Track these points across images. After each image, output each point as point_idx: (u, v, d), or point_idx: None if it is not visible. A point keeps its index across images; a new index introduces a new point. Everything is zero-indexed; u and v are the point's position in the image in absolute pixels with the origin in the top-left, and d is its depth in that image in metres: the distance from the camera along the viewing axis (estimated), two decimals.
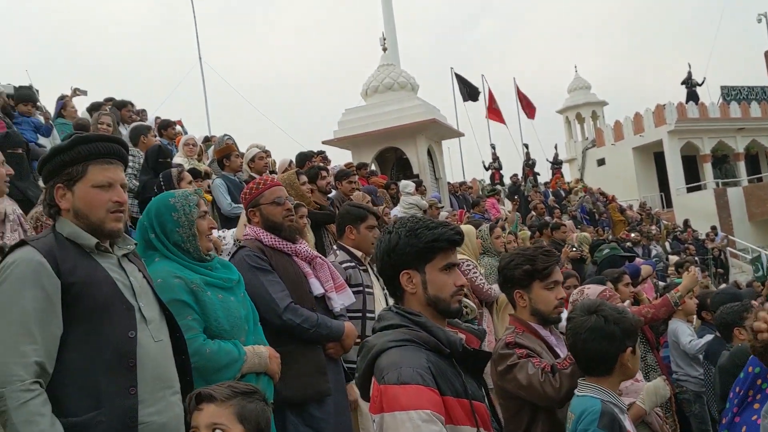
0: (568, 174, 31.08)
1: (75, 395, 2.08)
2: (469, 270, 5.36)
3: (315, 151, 11.11)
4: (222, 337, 2.70)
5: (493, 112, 24.09)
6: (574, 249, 8.57)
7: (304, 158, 9.04)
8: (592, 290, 3.86)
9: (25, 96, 7.64)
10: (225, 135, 8.29)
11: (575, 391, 2.36)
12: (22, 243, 2.22)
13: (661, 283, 8.66)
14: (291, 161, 9.13)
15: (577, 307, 2.47)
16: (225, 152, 6.79)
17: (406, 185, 10.30)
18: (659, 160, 29.49)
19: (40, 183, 4.81)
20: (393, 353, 1.89)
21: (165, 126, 9.54)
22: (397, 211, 9.59)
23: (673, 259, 13.16)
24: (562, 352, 2.66)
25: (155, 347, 2.25)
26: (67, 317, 2.11)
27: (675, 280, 8.35)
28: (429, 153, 15.87)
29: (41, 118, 7.82)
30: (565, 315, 2.73)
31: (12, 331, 2.00)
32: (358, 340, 3.58)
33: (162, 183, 4.91)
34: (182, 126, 11.56)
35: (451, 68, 23.40)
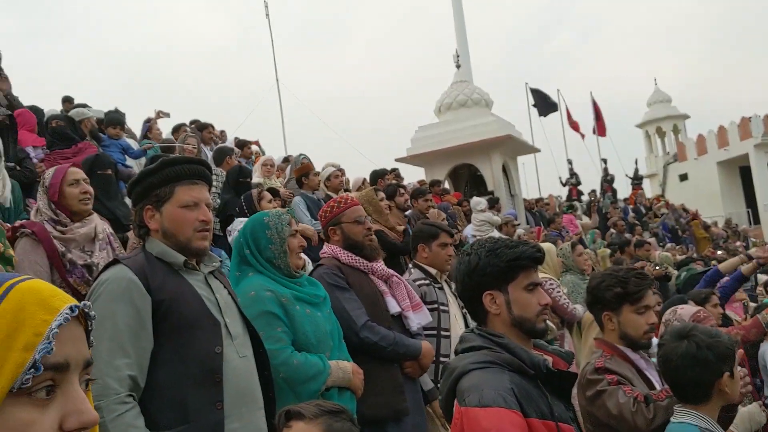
0: (649, 190, 30.15)
1: (164, 409, 2.13)
2: (552, 289, 5.25)
3: (388, 169, 11.18)
4: (308, 350, 2.78)
5: (574, 124, 23.79)
6: (657, 267, 8.27)
7: (377, 176, 9.12)
8: (685, 311, 3.68)
9: (114, 120, 7.96)
10: (300, 154, 8.46)
11: (671, 418, 2.26)
12: (114, 262, 2.32)
13: (752, 304, 8.23)
14: (365, 179, 9.22)
15: (668, 332, 2.36)
16: (303, 171, 6.92)
17: (478, 202, 10.20)
18: (745, 174, 28.24)
19: (127, 200, 5.03)
20: (475, 375, 1.86)
21: (241, 145, 9.82)
22: (469, 230, 9.51)
23: (763, 278, 12.50)
24: (652, 375, 2.56)
25: (240, 363, 2.29)
26: (157, 333, 2.18)
27: (765, 300, 7.93)
28: (504, 169, 15.71)
29: (130, 141, 8.18)
30: (655, 340, 2.62)
31: (106, 347, 2.07)
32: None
33: (244, 203, 5.04)
34: (260, 146, 11.86)
35: (526, 83, 23.19)
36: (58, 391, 0.84)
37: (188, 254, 2.33)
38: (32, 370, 0.80)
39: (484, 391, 1.79)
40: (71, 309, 0.87)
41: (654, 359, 2.56)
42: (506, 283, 1.96)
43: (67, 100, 9.64)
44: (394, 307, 3.48)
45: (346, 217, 3.48)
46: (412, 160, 16.09)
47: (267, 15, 19.86)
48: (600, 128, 25.76)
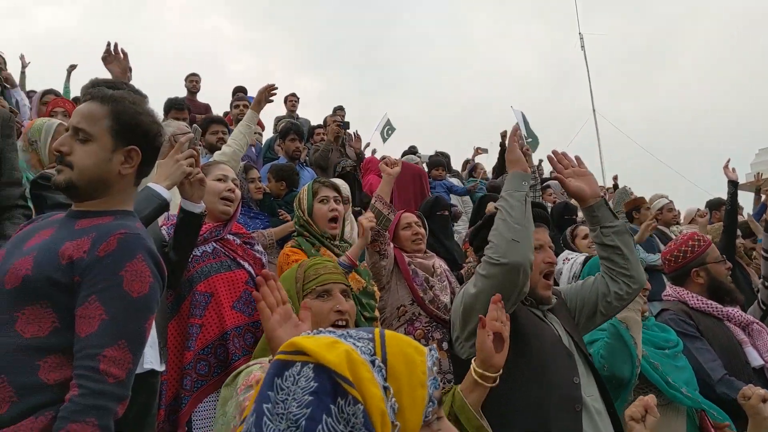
0: None
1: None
2: None
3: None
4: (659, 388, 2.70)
5: None
6: None
7: (714, 206, 8.37)
8: None
9: (435, 162, 8.79)
10: (620, 187, 8.04)
11: None
12: None
13: None
14: (698, 209, 8.51)
15: None
16: (635, 204, 6.57)
17: None
18: None
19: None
20: None
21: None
22: None
23: None
24: None
25: (588, 401, 2.22)
26: (517, 354, 2.19)
27: None
28: None
29: (453, 180, 8.74)
30: None
31: None
32: None
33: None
34: None
35: None
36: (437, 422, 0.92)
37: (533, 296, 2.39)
38: (430, 403, 0.88)
39: None
40: (430, 349, 0.94)
41: None
42: None
43: (411, 152, 10.57)
44: (756, 359, 3.10)
45: (710, 257, 3.22)
46: (751, 186, 14.29)
47: (582, 47, 19.76)
48: None
